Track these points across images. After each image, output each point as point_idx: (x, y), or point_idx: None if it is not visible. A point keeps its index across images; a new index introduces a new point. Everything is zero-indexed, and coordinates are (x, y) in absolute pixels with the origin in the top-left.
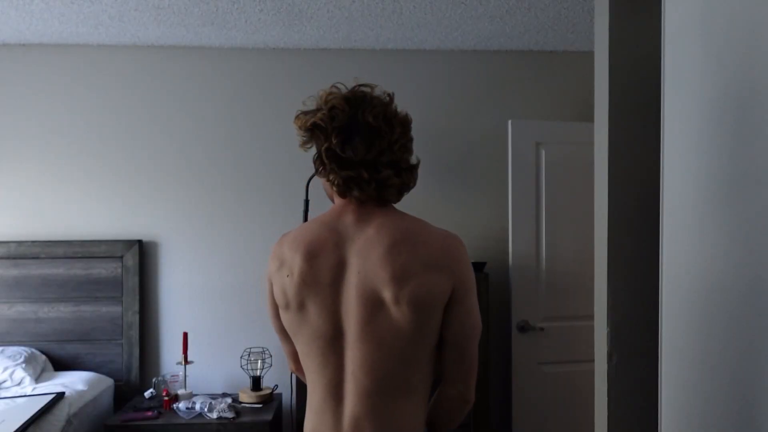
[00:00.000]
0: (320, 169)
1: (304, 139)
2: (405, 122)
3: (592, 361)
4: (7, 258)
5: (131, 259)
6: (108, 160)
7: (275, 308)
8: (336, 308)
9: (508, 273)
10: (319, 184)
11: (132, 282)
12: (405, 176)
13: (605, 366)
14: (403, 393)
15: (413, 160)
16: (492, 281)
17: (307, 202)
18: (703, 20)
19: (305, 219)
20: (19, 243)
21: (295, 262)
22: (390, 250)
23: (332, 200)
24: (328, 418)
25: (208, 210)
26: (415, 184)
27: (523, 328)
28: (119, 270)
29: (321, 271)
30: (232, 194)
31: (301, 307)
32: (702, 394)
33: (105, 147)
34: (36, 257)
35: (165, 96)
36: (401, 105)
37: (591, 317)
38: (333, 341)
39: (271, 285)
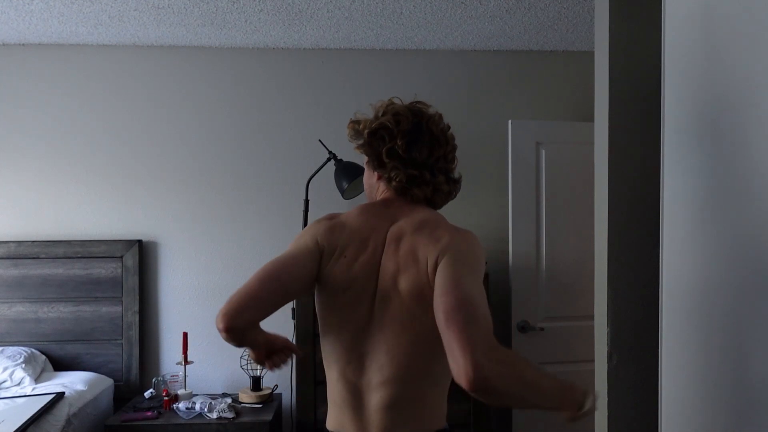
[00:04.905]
0: (379, 168)
1: (360, 141)
2: (453, 138)
3: (592, 361)
4: (7, 258)
5: (131, 259)
6: (108, 159)
7: (295, 257)
8: (373, 290)
9: (508, 273)
10: (319, 185)
11: (132, 282)
12: (451, 185)
13: (605, 366)
14: (427, 382)
15: (456, 174)
16: (492, 281)
17: (307, 202)
18: (703, 20)
19: (305, 219)
20: (19, 243)
21: (349, 247)
22: (414, 230)
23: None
24: (352, 408)
25: (208, 210)
26: (456, 195)
27: (523, 328)
28: (119, 270)
29: (368, 254)
30: (232, 194)
31: (348, 287)
32: (702, 393)
33: (105, 147)
34: (36, 257)
35: (165, 96)
36: None
37: (591, 317)
38: (365, 325)
39: (315, 243)
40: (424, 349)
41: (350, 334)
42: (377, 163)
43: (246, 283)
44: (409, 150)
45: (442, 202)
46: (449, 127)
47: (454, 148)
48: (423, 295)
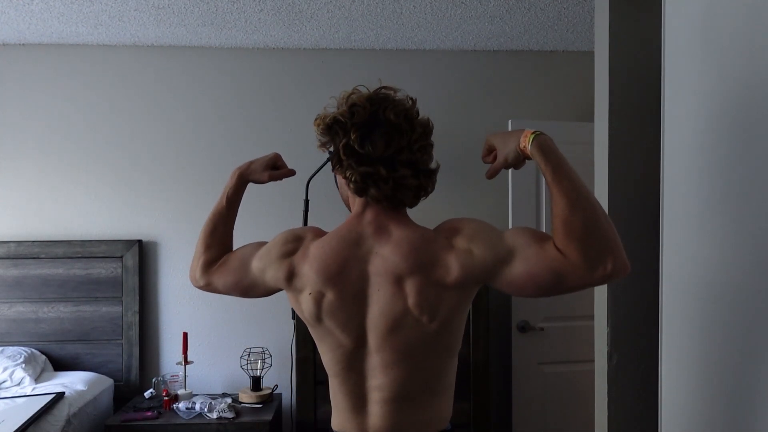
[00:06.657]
0: (337, 166)
1: (323, 139)
2: (426, 125)
3: (592, 361)
4: (7, 258)
5: (131, 259)
6: (108, 160)
7: (257, 285)
8: (360, 321)
9: None
10: (320, 185)
11: (132, 282)
12: (422, 179)
13: (605, 366)
14: (430, 396)
15: (433, 165)
16: None
17: (307, 202)
18: (704, 20)
19: (305, 219)
20: (19, 243)
21: (317, 284)
22: (411, 265)
23: (348, 208)
24: (353, 412)
25: (208, 210)
26: (433, 189)
27: (523, 328)
28: (119, 270)
29: (343, 293)
30: None
31: (320, 322)
32: (702, 393)
33: (105, 147)
34: (36, 257)
35: (165, 96)
36: None
37: (591, 317)
38: (356, 350)
39: (275, 286)
40: (426, 372)
41: (345, 356)
42: (336, 161)
43: (217, 274)
44: (363, 144)
45: (411, 199)
46: (418, 113)
47: (425, 134)
48: (430, 320)
